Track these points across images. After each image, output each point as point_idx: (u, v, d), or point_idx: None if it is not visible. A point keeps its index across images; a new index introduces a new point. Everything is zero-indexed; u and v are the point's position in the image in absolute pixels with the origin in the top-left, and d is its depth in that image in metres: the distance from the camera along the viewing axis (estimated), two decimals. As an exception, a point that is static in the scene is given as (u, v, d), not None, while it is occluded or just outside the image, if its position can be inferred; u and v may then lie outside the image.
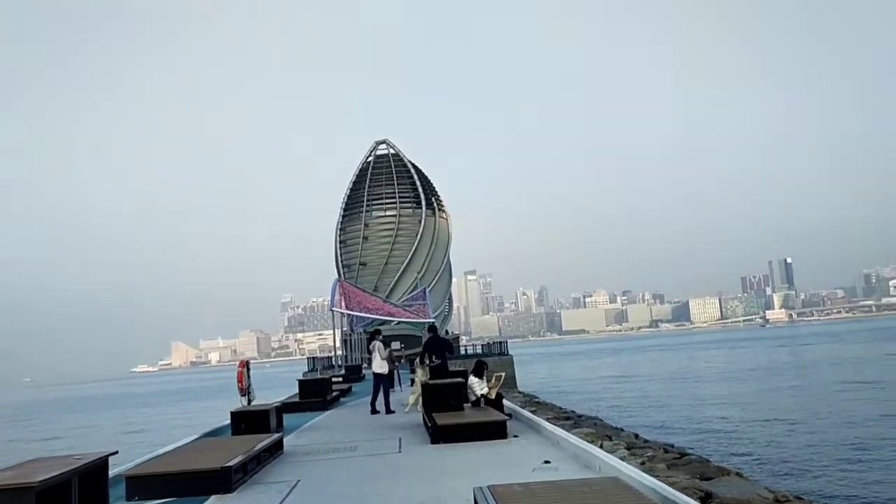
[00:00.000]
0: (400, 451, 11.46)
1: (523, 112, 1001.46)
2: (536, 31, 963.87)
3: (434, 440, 11.82)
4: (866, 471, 21.34)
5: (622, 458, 20.08)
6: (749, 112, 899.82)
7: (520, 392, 49.52)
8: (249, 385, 16.88)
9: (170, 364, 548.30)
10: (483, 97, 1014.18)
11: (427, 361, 17.52)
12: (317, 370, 54.88)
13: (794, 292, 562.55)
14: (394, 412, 17.79)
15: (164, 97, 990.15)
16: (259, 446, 10.31)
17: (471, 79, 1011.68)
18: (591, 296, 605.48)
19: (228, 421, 13.84)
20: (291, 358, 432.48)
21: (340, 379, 30.67)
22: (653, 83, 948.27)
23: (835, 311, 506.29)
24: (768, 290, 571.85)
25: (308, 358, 72.73)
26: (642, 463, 19.43)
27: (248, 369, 17.34)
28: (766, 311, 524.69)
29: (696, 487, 16.38)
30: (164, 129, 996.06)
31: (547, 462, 9.10)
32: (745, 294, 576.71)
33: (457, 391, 13.79)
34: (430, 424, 12.55)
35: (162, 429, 52.27)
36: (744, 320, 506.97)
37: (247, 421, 13.24)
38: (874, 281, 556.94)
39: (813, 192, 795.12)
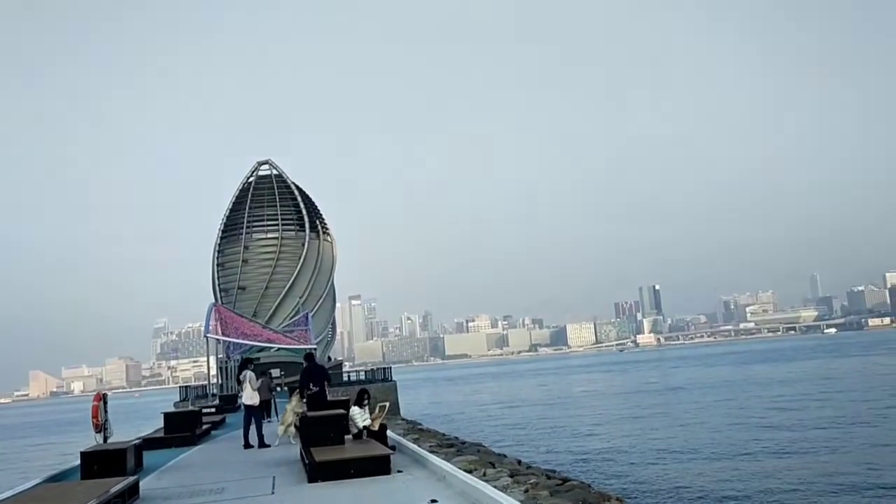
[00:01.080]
0: (273, 493, 10.46)
1: (410, 135, 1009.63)
2: (425, 54, 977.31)
3: (312, 478, 10.92)
4: (735, 483, 22.10)
5: (505, 487, 19.86)
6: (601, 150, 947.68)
7: (403, 419, 48.74)
8: (106, 420, 15.30)
9: (27, 395, 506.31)
10: (371, 120, 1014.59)
11: (306, 391, 16.56)
12: (188, 400, 51.82)
13: (661, 318, 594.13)
14: (269, 446, 16.70)
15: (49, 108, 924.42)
16: (112, 491, 9.12)
17: (361, 104, 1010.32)
18: (473, 321, 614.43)
19: (78, 462, 12.32)
20: (164, 387, 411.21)
21: (213, 410, 28.83)
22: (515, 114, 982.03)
23: (698, 335, 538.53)
24: (639, 316, 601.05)
25: (180, 387, 68.68)
26: (526, 491, 19.22)
27: (105, 403, 15.74)
28: (637, 336, 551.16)
29: (579, 516, 16.28)
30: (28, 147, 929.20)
31: (434, 501, 8.50)
32: (618, 319, 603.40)
33: (337, 423, 12.96)
34: (307, 460, 11.62)
35: None
36: (616, 344, 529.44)
37: (99, 462, 11.83)
38: (733, 307, 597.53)
39: (679, 226, 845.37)
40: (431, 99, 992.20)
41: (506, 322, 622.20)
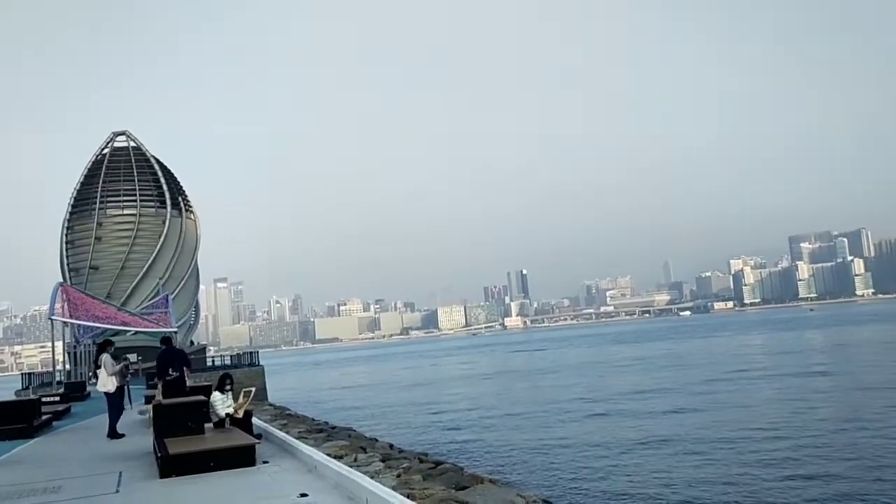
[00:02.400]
0: (117, 491, 9.23)
1: (281, 116, 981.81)
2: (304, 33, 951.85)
3: (164, 473, 9.78)
4: (598, 464, 22.73)
5: (377, 472, 19.31)
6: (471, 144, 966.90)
7: (271, 405, 47.09)
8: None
9: None
10: (242, 101, 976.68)
11: (164, 377, 15.19)
12: (31, 388, 47.49)
13: (528, 301, 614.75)
14: (123, 436, 15.16)
15: None
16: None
17: (233, 80, 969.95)
18: (345, 304, 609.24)
19: None
20: (8, 374, 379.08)
21: (57, 398, 26.34)
22: (401, 104, 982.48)
23: (562, 318, 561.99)
24: (507, 299, 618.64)
25: (23, 374, 62.99)
26: (398, 476, 18.74)
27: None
28: (505, 319, 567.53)
29: (453, 499, 15.98)
30: None
31: (304, 495, 7.74)
32: (487, 303, 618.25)
33: (195, 411, 11.82)
34: (160, 453, 10.43)
35: None
36: (485, 327, 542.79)
37: None
38: (594, 292, 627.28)
39: (546, 214, 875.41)
40: (301, 77, 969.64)
41: (378, 306, 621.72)
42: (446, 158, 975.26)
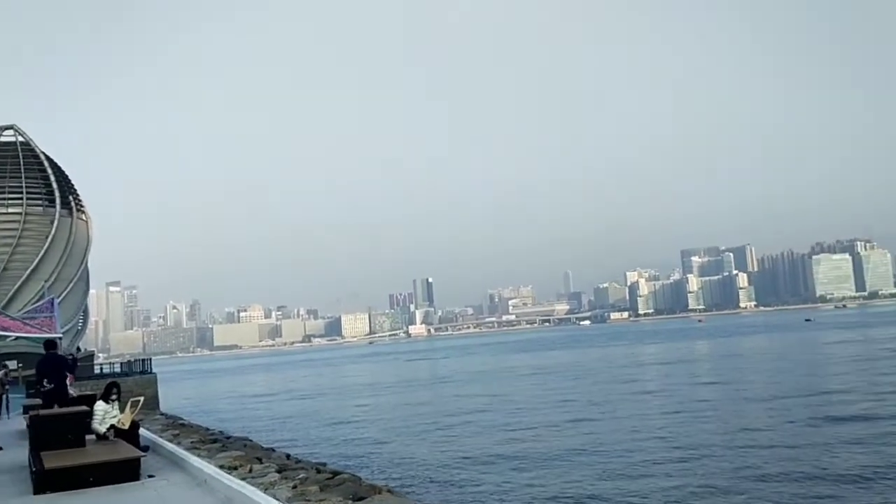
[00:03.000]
0: (-15, 510, 8.67)
1: (178, 116, 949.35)
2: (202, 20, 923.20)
3: (39, 489, 9.19)
4: (497, 477, 23.06)
5: (272, 484, 18.87)
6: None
7: (162, 414, 45.21)
8: None
9: None
10: (139, 101, 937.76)
11: (40, 387, 14.31)
12: None
13: (433, 309, 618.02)
14: (0, 448, 14.18)
15: None
16: None
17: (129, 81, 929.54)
18: (245, 311, 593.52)
19: None
20: None
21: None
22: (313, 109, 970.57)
23: (465, 326, 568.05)
24: (412, 307, 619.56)
25: None
26: (294, 487, 18.38)
27: None
28: (410, 327, 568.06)
29: (349, 510, 15.82)
30: None
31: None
32: (392, 310, 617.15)
33: (76, 422, 11.19)
34: (34, 468, 9.80)
35: None
36: (389, 335, 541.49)
37: None
38: (497, 300, 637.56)
39: (452, 223, 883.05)
40: (204, 78, 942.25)
41: (280, 312, 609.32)
42: (356, 158, 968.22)
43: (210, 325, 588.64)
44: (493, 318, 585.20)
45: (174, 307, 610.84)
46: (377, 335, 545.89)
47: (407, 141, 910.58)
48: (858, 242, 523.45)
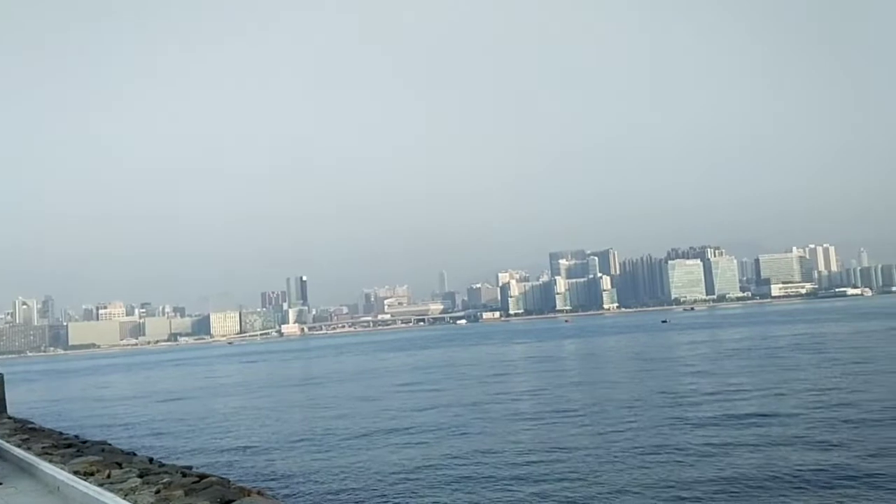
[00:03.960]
0: None
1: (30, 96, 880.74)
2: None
3: None
4: (368, 478, 23.16)
5: (133, 489, 18.02)
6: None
7: (10, 418, 41.86)
8: None
9: None
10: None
11: None
12: None
13: (307, 308, 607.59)
14: None
15: None
16: None
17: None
18: (105, 308, 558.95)
19: None
20: None
21: None
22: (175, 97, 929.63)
23: (340, 325, 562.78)
24: (285, 306, 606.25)
25: None
26: (157, 492, 17.64)
27: None
28: (283, 326, 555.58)
29: (217, 513, 15.41)
30: None
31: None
32: (264, 309, 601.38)
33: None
34: None
35: None
36: (261, 334, 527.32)
37: None
38: (373, 300, 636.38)
39: (327, 222, 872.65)
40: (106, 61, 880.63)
41: (143, 310, 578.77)
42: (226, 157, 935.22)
43: (65, 323, 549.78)
44: (369, 318, 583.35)
45: (24, 303, 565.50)
46: (248, 334, 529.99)
47: (282, 136, 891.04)
48: (709, 249, 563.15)
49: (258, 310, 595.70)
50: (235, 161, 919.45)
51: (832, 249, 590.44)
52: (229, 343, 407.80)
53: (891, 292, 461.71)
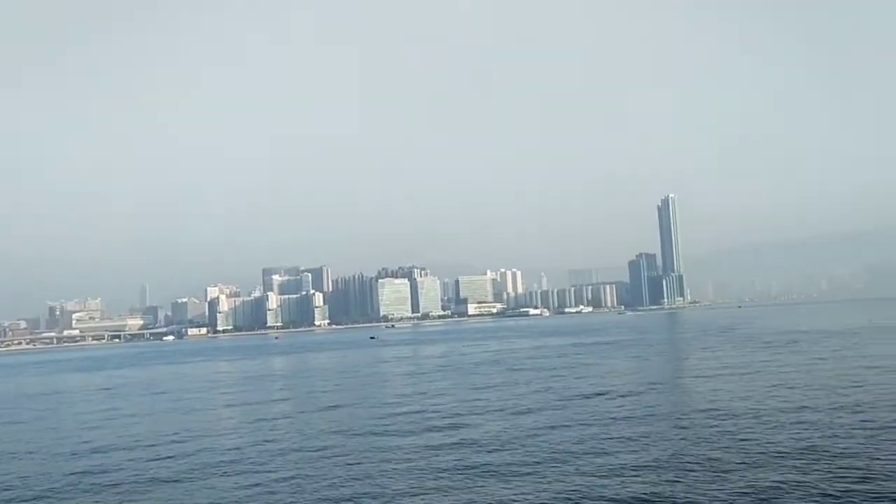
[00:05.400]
0: None
1: None
2: None
3: None
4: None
5: None
6: None
7: None
8: None
9: None
10: None
11: None
12: None
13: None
14: None
15: None
16: None
17: None
18: None
19: None
20: None
21: None
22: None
23: (16, 342, 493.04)
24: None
25: None
26: None
27: None
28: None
29: None
30: None
31: None
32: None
33: None
34: None
35: None
36: None
37: None
38: (59, 314, 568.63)
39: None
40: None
41: None
42: None
43: None
44: (53, 333, 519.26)
45: None
46: None
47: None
48: (416, 269, 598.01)
49: None
50: None
51: (519, 274, 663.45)
52: None
53: (564, 313, 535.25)
